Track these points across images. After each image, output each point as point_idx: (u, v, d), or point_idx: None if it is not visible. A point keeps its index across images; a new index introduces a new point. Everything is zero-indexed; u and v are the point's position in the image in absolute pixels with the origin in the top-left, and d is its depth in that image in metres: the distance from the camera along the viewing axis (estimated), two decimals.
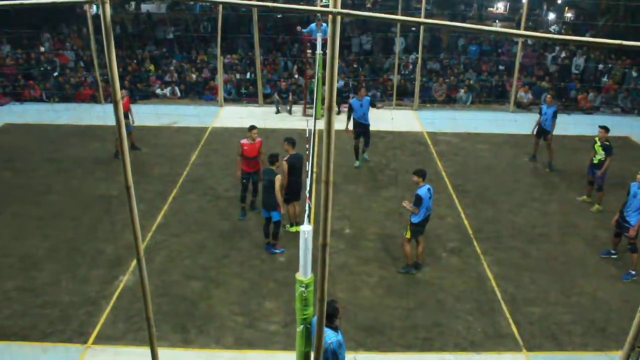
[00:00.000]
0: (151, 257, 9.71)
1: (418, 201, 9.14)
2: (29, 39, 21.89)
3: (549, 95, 14.58)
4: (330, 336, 5.90)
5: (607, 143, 11.62)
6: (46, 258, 9.92)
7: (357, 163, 13.65)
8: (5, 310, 8.57)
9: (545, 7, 29.47)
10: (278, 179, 9.71)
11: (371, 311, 8.62)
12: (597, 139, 11.79)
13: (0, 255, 9.96)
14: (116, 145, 13.65)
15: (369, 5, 29.05)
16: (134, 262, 9.55)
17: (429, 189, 9.28)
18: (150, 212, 11.27)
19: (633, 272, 9.39)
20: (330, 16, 3.74)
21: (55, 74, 19.92)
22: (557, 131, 13.87)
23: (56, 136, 15.74)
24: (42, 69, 20.24)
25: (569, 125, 16.42)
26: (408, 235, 9.44)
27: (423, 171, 9.45)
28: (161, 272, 9.45)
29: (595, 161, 11.70)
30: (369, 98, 13.69)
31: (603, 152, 11.58)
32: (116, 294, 8.96)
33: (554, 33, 23.11)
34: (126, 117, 13.48)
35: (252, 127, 11.11)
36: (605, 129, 11.69)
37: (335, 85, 4.00)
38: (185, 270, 9.61)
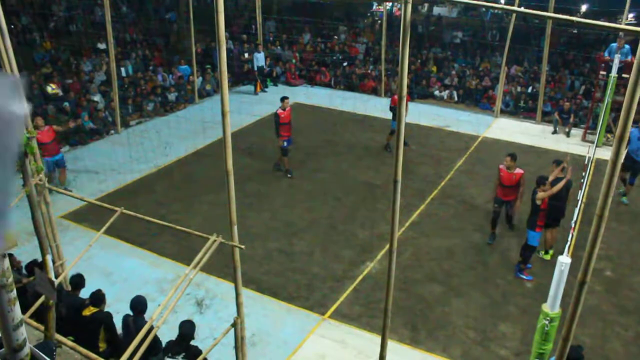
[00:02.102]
0: (399, 251, 9.95)
1: None
2: (327, 30, 23.92)
3: None
4: None
5: None
6: (306, 229, 10.82)
7: (624, 199, 12.22)
8: (265, 267, 9.59)
9: None
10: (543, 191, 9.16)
11: None
12: None
13: (270, 219, 11.14)
14: (388, 138, 14.22)
15: None
16: (383, 252, 9.93)
17: None
18: (407, 208, 11.55)
19: None
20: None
21: (345, 64, 21.43)
22: None
23: (336, 120, 16.97)
24: (334, 57, 21.93)
25: None
26: None
27: None
28: (405, 268, 9.66)
29: None
30: None
31: None
32: (360, 277, 9.41)
33: None
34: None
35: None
36: None
37: (633, 115, 3.65)
38: (428, 271, 9.69)
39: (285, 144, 12.80)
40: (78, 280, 7.16)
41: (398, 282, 9.05)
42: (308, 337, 8.10)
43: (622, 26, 4.88)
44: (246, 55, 20.78)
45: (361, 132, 15.98)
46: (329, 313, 8.57)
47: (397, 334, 8.08)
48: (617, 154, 3.82)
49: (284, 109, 12.61)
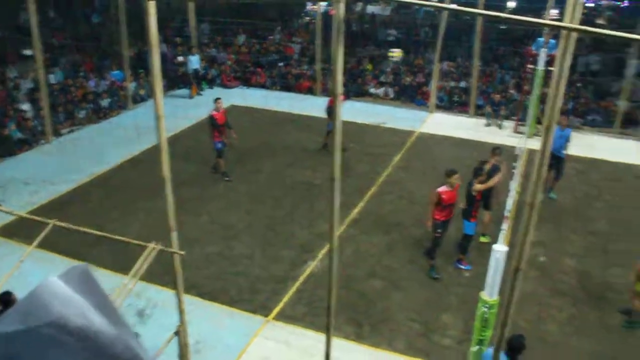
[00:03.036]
0: (340, 249, 9.97)
1: None
2: (262, 30, 23.84)
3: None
4: None
5: None
6: (245, 231, 10.74)
7: (552, 195, 12.56)
8: (204, 271, 9.46)
9: None
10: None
11: (553, 348, 8.04)
12: None
13: (208, 222, 11.01)
14: (325, 138, 14.27)
15: (602, 22, 26.90)
16: (324, 250, 9.95)
17: None
18: (346, 206, 11.58)
19: None
20: (564, 32, 3.53)
21: (281, 64, 21.40)
22: None
23: (273, 121, 16.93)
24: (270, 58, 21.86)
25: None
26: (638, 288, 8.35)
27: None
28: (347, 266, 9.70)
29: None
30: (570, 130, 12.36)
31: None
32: (302, 277, 9.41)
33: None
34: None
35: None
36: None
37: (559, 106, 3.77)
38: (370, 268, 9.77)
39: (220, 145, 12.66)
40: (7, 299, 6.85)
41: (340, 280, 9.05)
42: (252, 340, 8.04)
43: (547, 21, 5.04)
44: (180, 58, 20.45)
45: (298, 132, 15.98)
46: (272, 315, 8.53)
47: (341, 331, 8.11)
48: (545, 144, 3.95)
49: (217, 110, 12.51)
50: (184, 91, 19.38)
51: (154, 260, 5.40)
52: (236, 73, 21.15)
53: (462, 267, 9.78)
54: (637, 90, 18.70)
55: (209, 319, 8.37)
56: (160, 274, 8.64)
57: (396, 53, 21.24)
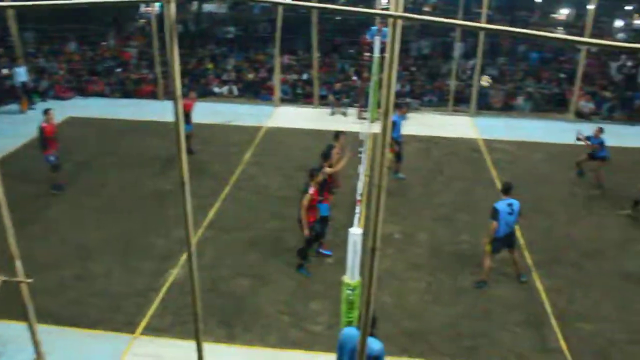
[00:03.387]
0: (201, 252, 9.83)
1: (494, 214, 8.90)
2: (95, 36, 22.67)
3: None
4: (378, 344, 5.79)
5: None
6: (100, 248, 10.22)
7: (399, 175, 13.20)
8: (60, 297, 8.87)
9: (612, 14, 28.52)
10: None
11: (417, 318, 8.54)
12: None
13: (58, 244, 10.33)
14: (188, 143, 13.94)
15: (428, 9, 28.75)
16: (184, 257, 9.73)
17: (509, 204, 8.94)
18: (202, 208, 11.46)
19: None
20: (390, 19, 3.71)
21: (118, 70, 20.51)
22: (619, 142, 13.46)
23: (116, 130, 16.21)
24: (106, 65, 20.86)
25: (632, 136, 15.90)
26: (487, 249, 9.16)
27: (506, 184, 9.27)
28: (210, 268, 9.60)
29: None
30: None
31: None
32: (165, 287, 9.15)
33: (621, 41, 22.35)
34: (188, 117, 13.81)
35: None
36: None
37: (393, 90, 3.97)
38: (234, 266, 9.73)
39: (52, 158, 11.96)
40: None
41: (205, 283, 8.96)
42: (122, 359, 7.70)
43: (375, 10, 5.29)
44: (5, 71, 18.87)
45: (144, 139, 15.44)
46: (139, 330, 8.21)
47: (212, 335, 8.00)
48: (385, 128, 4.13)
49: (47, 122, 11.82)
50: (13, 106, 17.93)
51: None
52: (70, 83, 19.95)
53: (324, 252, 10.04)
54: (463, 70, 20.23)
55: (72, 346, 7.86)
56: (8, 307, 7.97)
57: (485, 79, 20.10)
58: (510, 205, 8.94)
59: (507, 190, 9.12)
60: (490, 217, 8.93)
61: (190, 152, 14.16)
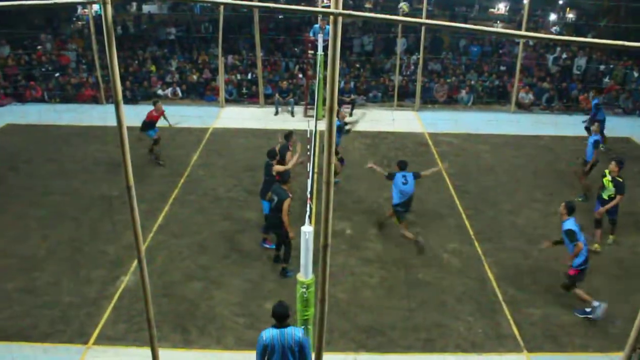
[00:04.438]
0: (152, 257, 9.69)
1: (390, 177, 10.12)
2: (29, 40, 21.91)
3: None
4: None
5: (620, 179, 10.02)
6: (47, 259, 9.92)
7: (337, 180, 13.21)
8: (6, 311, 8.56)
9: (546, 8, 29.47)
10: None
11: (372, 312, 8.62)
12: (607, 172, 10.18)
13: (1, 257, 9.95)
14: (151, 148, 13.85)
15: (369, 6, 29.02)
16: (135, 263, 9.55)
17: (403, 176, 9.96)
18: (151, 212, 11.27)
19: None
20: (331, 17, 3.74)
21: (57, 74, 19.91)
22: (557, 132, 13.86)
23: (57, 137, 15.73)
24: (43, 69, 20.21)
25: (570, 126, 16.44)
26: (395, 222, 10.18)
27: (402, 162, 10.34)
28: (162, 273, 9.45)
29: (605, 197, 10.19)
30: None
31: (613, 189, 10.06)
32: (117, 294, 8.95)
33: (556, 34, 23.09)
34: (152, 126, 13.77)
35: None
36: (619, 163, 10.11)
37: (337, 87, 4.00)
38: (186, 270, 9.60)
39: None
40: None
41: (157, 289, 8.84)
42: None
43: (316, 9, 5.30)
44: None
45: (87, 145, 15.06)
46: (92, 340, 8.00)
47: (168, 341, 7.89)
48: (330, 124, 4.17)
49: None
50: None
51: None
52: (6, 89, 19.25)
53: (267, 246, 10.12)
54: (407, 66, 20.52)
55: None
56: None
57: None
58: (404, 176, 10.01)
59: (402, 166, 10.23)
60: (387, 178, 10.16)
61: (157, 160, 13.86)
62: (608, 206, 10.10)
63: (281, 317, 5.87)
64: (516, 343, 8.03)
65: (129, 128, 4.72)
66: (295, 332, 5.88)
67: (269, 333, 5.87)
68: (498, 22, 30.59)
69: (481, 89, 19.86)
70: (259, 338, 5.93)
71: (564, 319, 8.51)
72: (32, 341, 7.97)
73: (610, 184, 10.09)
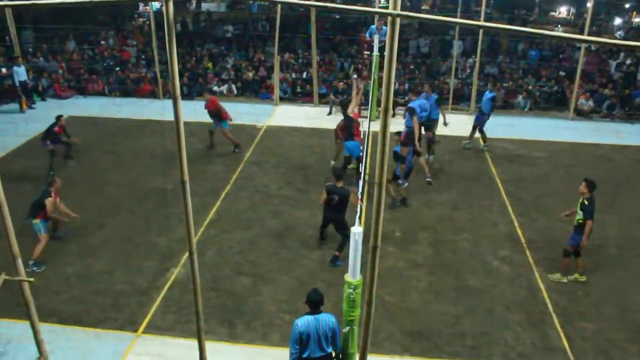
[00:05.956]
0: (202, 251, 9.86)
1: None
2: (94, 35, 22.66)
3: None
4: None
5: (587, 203, 8.95)
6: (102, 247, 10.22)
7: None
8: (64, 295, 8.88)
9: (610, 12, 28.55)
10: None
11: (419, 316, 8.54)
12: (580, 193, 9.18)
13: (60, 242, 10.32)
14: (232, 141, 14.34)
15: (427, 7, 28.77)
16: (186, 256, 9.74)
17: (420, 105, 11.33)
18: (203, 207, 11.46)
19: None
20: (389, 18, 3.72)
21: (117, 69, 20.50)
22: (618, 141, 13.42)
23: (116, 129, 16.21)
24: (105, 64, 20.85)
25: (632, 135, 15.90)
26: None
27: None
28: (212, 267, 9.60)
29: (575, 222, 9.19)
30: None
31: (581, 213, 9.01)
32: (167, 285, 9.15)
33: (620, 39, 22.38)
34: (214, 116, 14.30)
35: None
36: (589, 184, 9.01)
37: (392, 88, 3.99)
38: (235, 266, 9.73)
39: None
40: None
41: (206, 282, 8.98)
42: (124, 358, 7.68)
43: (374, 9, 5.30)
44: (4, 70, 18.84)
45: (144, 138, 15.46)
46: (141, 329, 8.21)
47: (214, 334, 8.01)
48: (385, 126, 4.15)
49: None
50: (13, 105, 17.94)
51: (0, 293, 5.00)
52: (70, 82, 19.95)
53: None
54: (462, 69, 20.23)
55: (75, 345, 7.87)
56: (10, 306, 8.01)
57: None
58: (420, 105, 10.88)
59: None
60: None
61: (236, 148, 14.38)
62: (585, 235, 8.96)
63: (316, 304, 6.03)
64: (566, 357, 7.81)
65: (185, 123, 4.82)
66: (329, 318, 6.00)
67: (304, 320, 5.98)
68: (559, 25, 29.86)
69: (539, 94, 19.41)
70: (294, 326, 6.03)
71: (618, 335, 8.23)
72: (85, 326, 8.23)
73: (579, 207, 9.06)
